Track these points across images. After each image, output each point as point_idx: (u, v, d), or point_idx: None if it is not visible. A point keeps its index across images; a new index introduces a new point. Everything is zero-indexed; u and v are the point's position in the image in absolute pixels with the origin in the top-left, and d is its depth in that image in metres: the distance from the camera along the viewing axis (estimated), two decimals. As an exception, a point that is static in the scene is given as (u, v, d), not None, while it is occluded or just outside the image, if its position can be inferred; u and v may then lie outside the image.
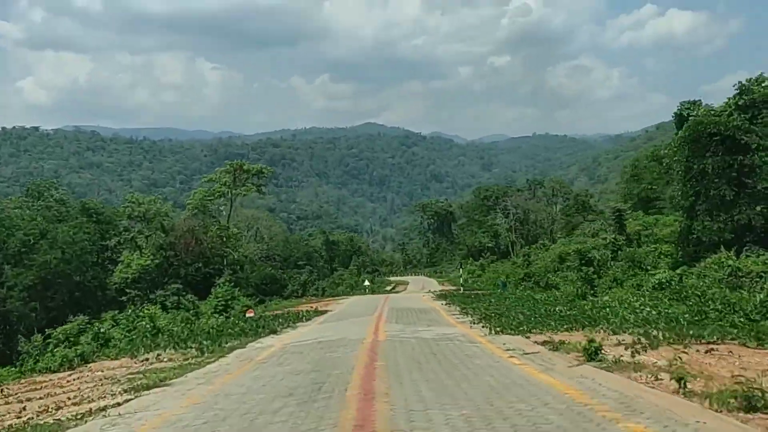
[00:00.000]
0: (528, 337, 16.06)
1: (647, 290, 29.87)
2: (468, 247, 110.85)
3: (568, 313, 21.38)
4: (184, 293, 49.21)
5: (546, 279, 53.99)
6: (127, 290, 54.07)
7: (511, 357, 12.67)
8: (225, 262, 62.99)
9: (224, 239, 65.00)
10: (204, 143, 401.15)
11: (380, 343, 16.53)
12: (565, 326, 17.60)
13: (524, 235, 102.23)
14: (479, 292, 48.91)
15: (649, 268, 41.14)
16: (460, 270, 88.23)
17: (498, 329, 18.01)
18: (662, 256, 46.02)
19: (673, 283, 29.31)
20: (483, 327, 19.57)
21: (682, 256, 41.38)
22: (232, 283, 48.00)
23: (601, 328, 16.55)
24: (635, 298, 25.93)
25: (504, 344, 14.75)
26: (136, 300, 49.59)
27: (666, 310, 19.84)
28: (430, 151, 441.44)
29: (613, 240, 52.28)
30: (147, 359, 17.37)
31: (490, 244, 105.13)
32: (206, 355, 16.68)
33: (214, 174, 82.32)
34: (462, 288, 59.37)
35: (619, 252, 48.94)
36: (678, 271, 33.39)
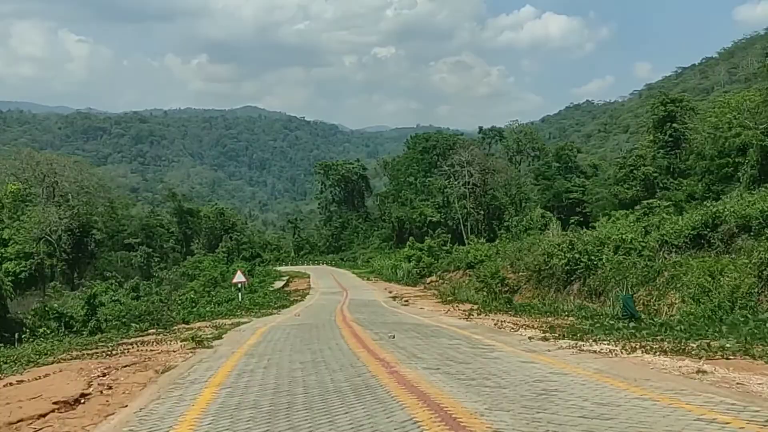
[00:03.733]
0: None
1: None
2: (396, 223, 69.12)
3: None
4: None
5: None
6: None
7: None
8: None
9: None
10: (61, 117, 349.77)
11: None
12: None
13: (483, 205, 62.24)
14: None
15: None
16: (404, 262, 49.63)
17: None
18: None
19: None
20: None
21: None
22: None
23: None
24: None
25: None
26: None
27: None
28: (314, 136, 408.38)
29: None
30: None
31: (435, 218, 64.33)
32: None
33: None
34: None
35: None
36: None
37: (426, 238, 57.80)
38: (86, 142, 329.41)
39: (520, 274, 30.17)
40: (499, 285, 30.95)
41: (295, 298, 35.32)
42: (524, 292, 30.84)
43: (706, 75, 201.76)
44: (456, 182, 65.75)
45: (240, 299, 30.73)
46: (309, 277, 57.95)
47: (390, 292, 39.50)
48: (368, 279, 55.83)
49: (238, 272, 30.50)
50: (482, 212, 64.34)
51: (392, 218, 71.90)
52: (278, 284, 51.63)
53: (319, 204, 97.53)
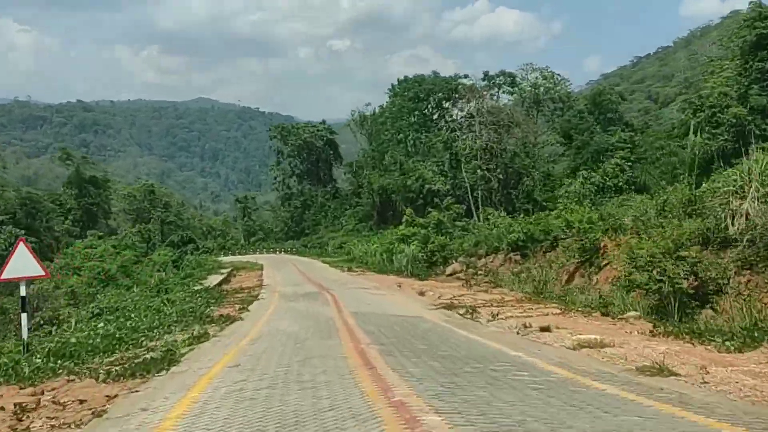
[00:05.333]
0: None
1: None
2: (379, 196, 50.52)
3: None
4: None
5: None
6: None
7: None
8: None
9: None
10: None
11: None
12: None
13: (501, 168, 43.96)
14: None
15: None
16: (401, 244, 28.59)
17: None
18: None
19: None
20: None
21: None
22: None
23: None
24: None
25: None
26: None
27: None
28: (268, 126, 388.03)
29: None
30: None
31: (436, 185, 45.72)
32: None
33: None
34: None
35: None
36: None
37: (430, 210, 39.35)
38: (24, 131, 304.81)
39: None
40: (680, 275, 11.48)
41: (230, 312, 16.44)
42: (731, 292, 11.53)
43: (665, 62, 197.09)
44: (463, 138, 47.64)
45: (25, 334, 10.97)
46: (261, 269, 39.12)
47: (421, 292, 20.85)
48: (350, 270, 36.91)
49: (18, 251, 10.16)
50: (498, 178, 46.35)
51: (373, 190, 53.35)
52: (213, 280, 32.17)
53: (275, 180, 77.79)
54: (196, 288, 28.09)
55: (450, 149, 48.09)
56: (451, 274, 31.54)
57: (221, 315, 16.31)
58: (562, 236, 24.35)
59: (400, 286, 24.95)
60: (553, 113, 56.90)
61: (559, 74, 56.24)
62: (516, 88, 57.79)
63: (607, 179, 28.81)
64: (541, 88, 56.26)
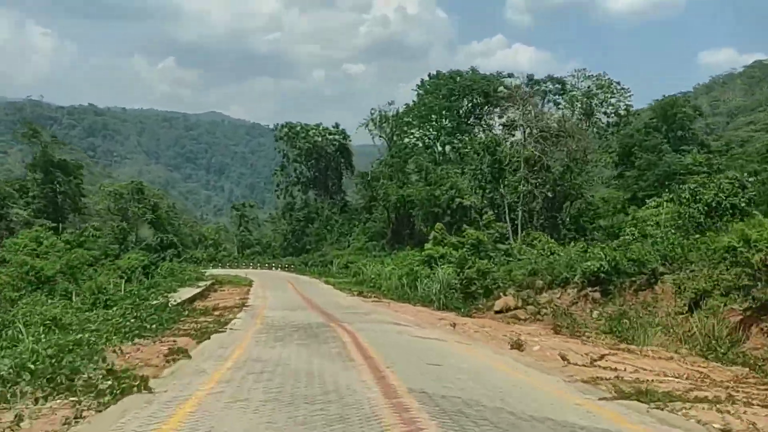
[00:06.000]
0: None
1: None
2: (395, 210, 42.00)
3: None
4: None
5: None
6: None
7: None
8: None
9: None
10: (9, 102, 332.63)
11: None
12: None
13: (549, 184, 35.25)
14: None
15: None
16: (426, 266, 18.52)
17: None
18: None
19: None
20: None
21: None
22: None
23: None
24: None
25: None
26: None
27: None
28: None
29: None
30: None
31: (468, 200, 37.02)
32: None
33: None
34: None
35: None
36: None
37: (463, 228, 30.64)
38: None
39: None
40: None
41: (152, 360, 7.54)
42: None
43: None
44: (511, 144, 39.09)
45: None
46: (250, 285, 30.43)
47: (516, 344, 10.76)
48: (361, 295, 27.87)
49: None
50: (545, 195, 37.73)
51: (389, 203, 44.71)
52: (185, 294, 22.80)
53: (277, 187, 68.81)
54: (154, 302, 19.72)
55: (494, 154, 39.38)
56: (501, 311, 22.86)
57: (120, 373, 7.53)
58: (665, 271, 16.39)
59: (454, 326, 16.20)
60: (607, 128, 48.52)
61: (618, 82, 47.89)
62: (566, 96, 49.30)
63: (723, 197, 20.77)
64: (595, 99, 47.87)
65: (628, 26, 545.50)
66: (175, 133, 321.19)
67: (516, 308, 22.82)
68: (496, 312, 22.94)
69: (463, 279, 26.05)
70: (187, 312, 19.74)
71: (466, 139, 45.71)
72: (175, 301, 21.91)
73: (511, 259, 29.19)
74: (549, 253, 28.47)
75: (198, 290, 27.91)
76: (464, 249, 27.37)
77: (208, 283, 30.91)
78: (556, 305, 21.58)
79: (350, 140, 66.36)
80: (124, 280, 28.01)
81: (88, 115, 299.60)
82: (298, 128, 67.02)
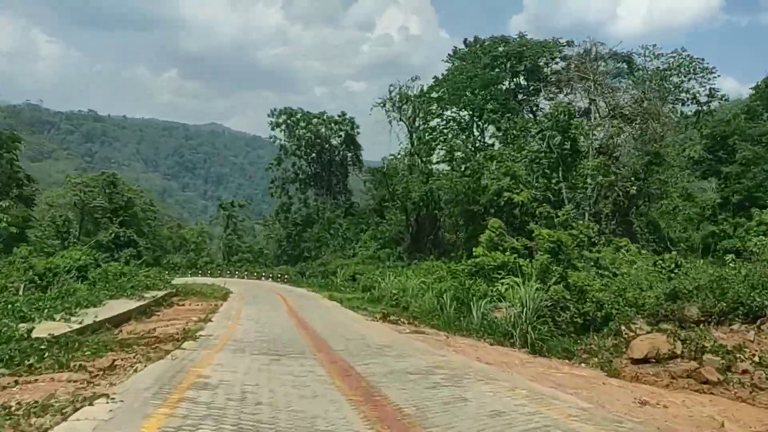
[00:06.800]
0: None
1: None
2: (417, 209, 31.74)
3: None
4: None
5: None
6: None
7: None
8: None
9: None
10: (8, 106, 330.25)
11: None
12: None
13: (625, 181, 24.62)
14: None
15: None
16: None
17: None
18: None
19: None
20: None
21: None
22: None
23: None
24: None
25: None
26: None
27: None
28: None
29: None
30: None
31: (521, 196, 26.66)
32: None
33: None
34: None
35: None
36: None
37: (532, 226, 20.82)
38: (31, 134, 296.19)
39: None
40: None
41: None
42: None
43: None
44: (587, 123, 29.21)
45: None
46: (225, 299, 19.81)
47: None
48: (388, 320, 16.66)
49: None
50: (622, 191, 27.92)
51: (409, 201, 34.76)
52: (116, 308, 10.15)
53: (272, 184, 58.37)
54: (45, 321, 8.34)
55: (566, 131, 28.86)
56: (644, 359, 11.90)
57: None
58: None
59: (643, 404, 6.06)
60: (686, 117, 38.68)
61: (702, 59, 37.88)
62: (634, 76, 39.08)
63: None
64: (673, 78, 37.99)
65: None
66: (174, 143, 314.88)
67: (673, 354, 12.93)
68: (635, 361, 12.97)
69: (554, 300, 16.10)
70: (77, 344, 9.94)
71: (517, 119, 35.60)
72: (80, 322, 12.24)
73: (604, 272, 19.42)
74: (664, 269, 18.63)
75: (138, 304, 17.91)
76: (545, 255, 17.70)
77: (161, 294, 20.87)
78: (755, 351, 11.77)
79: (359, 131, 56.70)
80: (26, 286, 17.98)
81: (87, 121, 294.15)
82: (299, 115, 56.78)
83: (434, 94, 44.02)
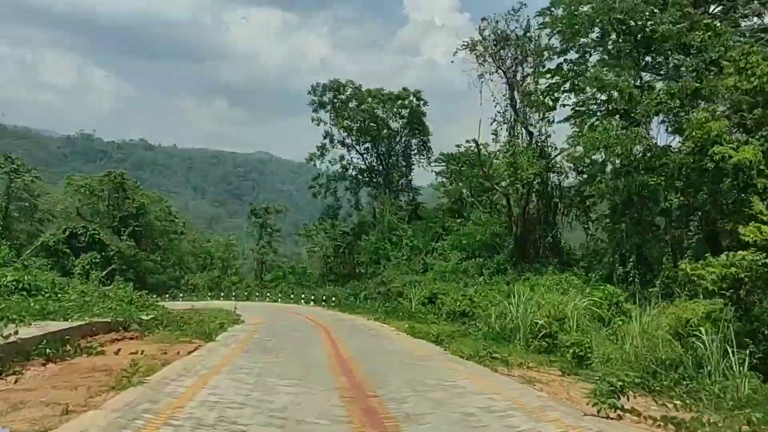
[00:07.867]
0: None
1: None
2: (535, 194, 18.36)
3: None
4: None
5: None
6: None
7: None
8: None
9: None
10: (63, 137, 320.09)
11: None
12: None
13: None
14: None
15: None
16: None
17: None
18: None
19: None
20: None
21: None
22: None
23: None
24: None
25: None
26: None
27: None
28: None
29: None
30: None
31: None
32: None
33: None
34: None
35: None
36: None
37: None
38: (84, 163, 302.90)
39: None
40: None
41: None
42: None
43: None
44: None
45: None
46: (218, 332, 6.04)
47: None
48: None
49: None
50: None
51: (520, 184, 21.83)
52: None
53: (314, 183, 44.68)
54: None
55: None
56: None
57: None
58: None
59: None
60: None
61: None
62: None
63: None
64: None
65: None
66: (223, 170, 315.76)
67: None
68: None
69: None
70: None
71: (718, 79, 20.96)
72: None
73: None
74: None
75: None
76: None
77: (64, 327, 8.11)
78: None
79: (427, 108, 42.76)
80: None
81: (137, 149, 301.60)
82: (349, 91, 42.86)
83: (544, 28, 29.06)
